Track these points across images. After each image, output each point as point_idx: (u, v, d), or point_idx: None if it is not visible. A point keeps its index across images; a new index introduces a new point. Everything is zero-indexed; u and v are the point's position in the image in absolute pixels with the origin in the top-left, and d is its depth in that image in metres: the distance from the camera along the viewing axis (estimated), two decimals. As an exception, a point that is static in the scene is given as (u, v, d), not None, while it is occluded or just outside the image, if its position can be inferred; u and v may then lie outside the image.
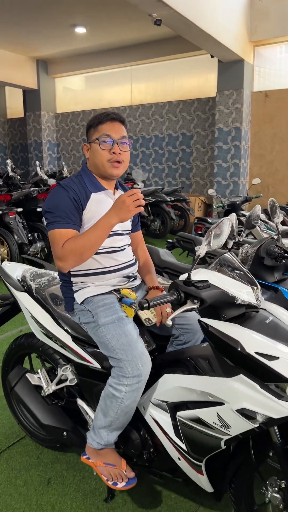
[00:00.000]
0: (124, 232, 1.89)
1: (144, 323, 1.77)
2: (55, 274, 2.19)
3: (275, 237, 2.30)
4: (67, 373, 2.00)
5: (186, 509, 1.91)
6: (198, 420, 1.53)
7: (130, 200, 1.60)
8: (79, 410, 2.02)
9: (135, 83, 10.77)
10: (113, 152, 1.76)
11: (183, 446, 1.62)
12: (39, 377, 2.18)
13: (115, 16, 8.18)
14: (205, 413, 1.50)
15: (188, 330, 1.83)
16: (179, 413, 1.60)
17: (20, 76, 11.02)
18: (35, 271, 2.23)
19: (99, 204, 1.79)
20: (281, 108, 8.52)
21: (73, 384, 2.00)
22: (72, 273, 1.83)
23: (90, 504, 1.94)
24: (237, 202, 5.78)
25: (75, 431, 2.05)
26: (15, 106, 12.86)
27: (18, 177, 7.00)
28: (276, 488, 1.51)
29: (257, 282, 1.55)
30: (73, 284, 1.85)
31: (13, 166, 7.20)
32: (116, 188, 1.91)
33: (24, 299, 2.10)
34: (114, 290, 1.83)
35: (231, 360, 1.42)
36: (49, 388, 2.10)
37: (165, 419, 1.68)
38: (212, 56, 8.24)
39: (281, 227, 2.54)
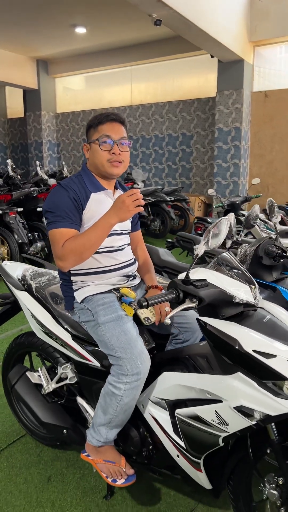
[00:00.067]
0: (123, 232, 1.91)
1: (143, 322, 1.78)
2: (55, 273, 2.21)
3: (274, 236, 2.32)
4: (67, 372, 2.01)
5: (185, 506, 1.92)
6: (197, 418, 1.54)
7: (129, 200, 1.61)
8: (79, 408, 2.04)
9: (135, 83, 10.78)
10: (113, 153, 1.77)
11: (182, 444, 1.64)
12: (39, 376, 2.19)
13: (115, 16, 8.19)
14: (203, 411, 1.52)
15: (187, 329, 1.85)
16: (177, 411, 1.62)
17: (20, 76, 11.03)
18: (35, 270, 2.24)
19: (99, 204, 1.80)
20: (281, 108, 8.53)
21: (73, 382, 2.02)
22: (72, 272, 1.85)
23: (89, 501, 1.96)
24: (237, 202, 5.80)
25: (75, 429, 2.06)
26: (15, 106, 12.87)
27: (19, 177, 7.02)
28: (273, 485, 1.53)
29: (255, 281, 1.57)
30: (73, 283, 1.87)
31: (14, 166, 7.22)
32: (115, 188, 1.93)
33: (24, 298, 2.12)
34: (114, 289, 1.85)
35: (229, 358, 1.44)
36: (49, 386, 2.12)
37: (164, 417, 1.70)
38: (212, 56, 8.25)
39: (280, 227, 2.56)
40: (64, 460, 2.22)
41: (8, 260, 5.41)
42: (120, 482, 1.77)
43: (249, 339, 1.41)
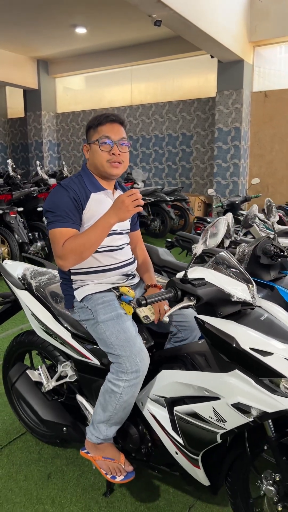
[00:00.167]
0: (123, 231, 1.93)
1: (142, 320, 1.80)
2: (55, 272, 2.22)
3: (272, 236, 2.34)
4: (67, 370, 2.03)
5: (184, 503, 1.94)
6: (195, 415, 1.56)
7: (129, 200, 1.63)
8: (79, 406, 2.06)
9: (135, 83, 10.80)
10: (113, 153, 1.79)
11: (180, 440, 1.66)
12: (40, 374, 2.21)
13: (115, 16, 8.21)
14: (201, 408, 1.54)
15: (186, 327, 1.87)
16: (176, 408, 1.64)
17: (21, 76, 11.05)
18: (36, 269, 2.26)
19: (98, 204, 1.82)
20: (280, 108, 8.55)
21: (72, 380, 2.04)
22: (72, 271, 1.87)
23: (89, 498, 1.98)
24: (237, 202, 5.82)
25: (75, 426, 2.08)
26: (15, 106, 12.89)
27: (19, 176, 7.03)
28: (270, 481, 1.54)
29: (252, 280, 1.59)
30: (73, 282, 1.89)
31: (14, 166, 7.23)
32: (115, 188, 1.95)
33: (24, 297, 2.14)
34: (113, 288, 1.86)
35: (226, 355, 1.46)
36: (49, 384, 2.14)
37: (162, 414, 1.72)
38: (212, 57, 8.26)
39: (279, 227, 2.58)
40: (64, 457, 2.24)
41: (8, 259, 5.43)
42: (119, 478, 1.79)
43: (246, 337, 1.43)
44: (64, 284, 1.93)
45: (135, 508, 1.92)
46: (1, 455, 2.26)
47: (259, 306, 1.59)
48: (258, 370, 1.39)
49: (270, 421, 1.48)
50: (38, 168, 7.57)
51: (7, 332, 3.80)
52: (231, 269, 1.58)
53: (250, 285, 1.56)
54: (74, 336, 1.93)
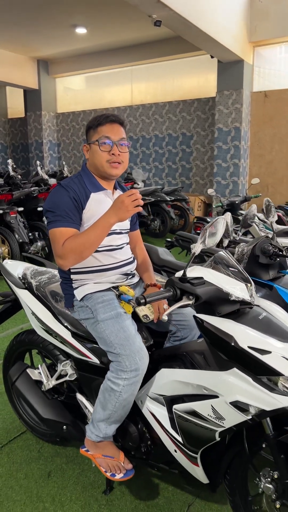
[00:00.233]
0: (123, 231, 1.94)
1: (142, 319, 1.81)
2: (55, 272, 2.24)
3: (270, 235, 2.35)
4: (66, 369, 2.04)
5: (183, 501, 1.95)
6: (194, 413, 1.58)
7: (128, 200, 1.64)
8: (79, 405, 2.07)
9: (135, 83, 10.81)
10: (112, 154, 1.80)
11: (179, 438, 1.67)
12: (40, 373, 2.22)
13: (115, 16, 8.22)
14: (200, 406, 1.55)
15: (185, 326, 1.88)
16: (175, 406, 1.65)
17: (21, 76, 11.06)
18: (36, 269, 2.27)
19: (98, 204, 1.83)
20: (280, 108, 8.56)
21: (72, 379, 2.05)
22: (72, 270, 1.88)
23: (89, 496, 1.99)
24: (237, 202, 5.83)
25: (75, 425, 2.09)
26: (16, 106, 12.91)
27: (19, 176, 7.05)
28: (269, 479, 1.55)
29: (250, 279, 1.60)
30: (73, 281, 1.90)
31: (14, 166, 7.25)
32: (115, 188, 1.96)
33: (25, 296, 2.15)
34: (113, 287, 1.87)
35: (225, 354, 1.47)
36: (49, 383, 2.15)
37: (161, 412, 1.73)
38: (212, 57, 8.27)
39: (279, 226, 2.59)
40: (64, 456, 2.25)
41: (9, 259, 5.44)
42: (118, 476, 1.80)
43: (244, 336, 1.44)
44: (64, 283, 1.94)
45: (134, 506, 1.93)
46: (2, 453, 2.27)
47: (258, 305, 1.60)
48: (256, 368, 1.41)
49: (268, 419, 1.48)
50: (38, 168, 7.59)
51: (7, 331, 3.82)
52: (230, 269, 1.59)
53: (249, 284, 1.57)
54: (74, 335, 1.94)
